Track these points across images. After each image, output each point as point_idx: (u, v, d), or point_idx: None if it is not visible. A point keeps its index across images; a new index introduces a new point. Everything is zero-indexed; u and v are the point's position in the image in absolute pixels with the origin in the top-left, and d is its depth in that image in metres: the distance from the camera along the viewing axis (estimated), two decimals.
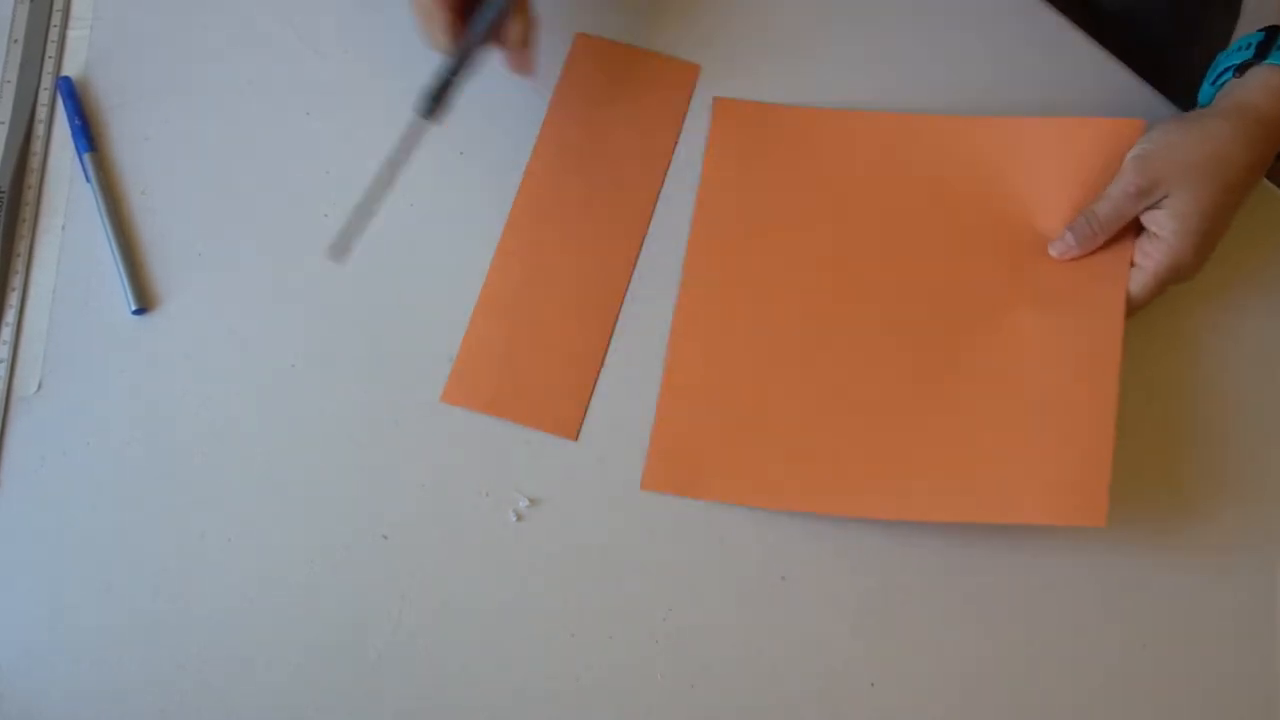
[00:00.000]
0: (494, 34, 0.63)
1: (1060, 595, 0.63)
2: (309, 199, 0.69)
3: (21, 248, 0.69)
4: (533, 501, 0.64)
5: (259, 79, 0.70)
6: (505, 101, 0.71)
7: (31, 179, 0.70)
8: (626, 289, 0.68)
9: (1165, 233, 0.62)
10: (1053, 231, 0.66)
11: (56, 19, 0.73)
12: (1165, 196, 0.62)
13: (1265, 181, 0.69)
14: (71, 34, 0.73)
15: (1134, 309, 0.64)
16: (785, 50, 0.72)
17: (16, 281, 0.68)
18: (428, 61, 0.72)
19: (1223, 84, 0.65)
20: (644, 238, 0.69)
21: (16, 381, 0.66)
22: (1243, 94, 0.63)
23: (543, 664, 0.62)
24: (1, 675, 0.62)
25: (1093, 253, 0.65)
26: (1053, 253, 0.66)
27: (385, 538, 0.64)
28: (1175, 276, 0.63)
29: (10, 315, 0.67)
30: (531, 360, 0.66)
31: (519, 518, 0.64)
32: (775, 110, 0.71)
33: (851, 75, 0.71)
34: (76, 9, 0.73)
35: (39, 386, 0.66)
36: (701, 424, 0.65)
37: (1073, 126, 0.68)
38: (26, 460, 0.65)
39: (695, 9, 0.73)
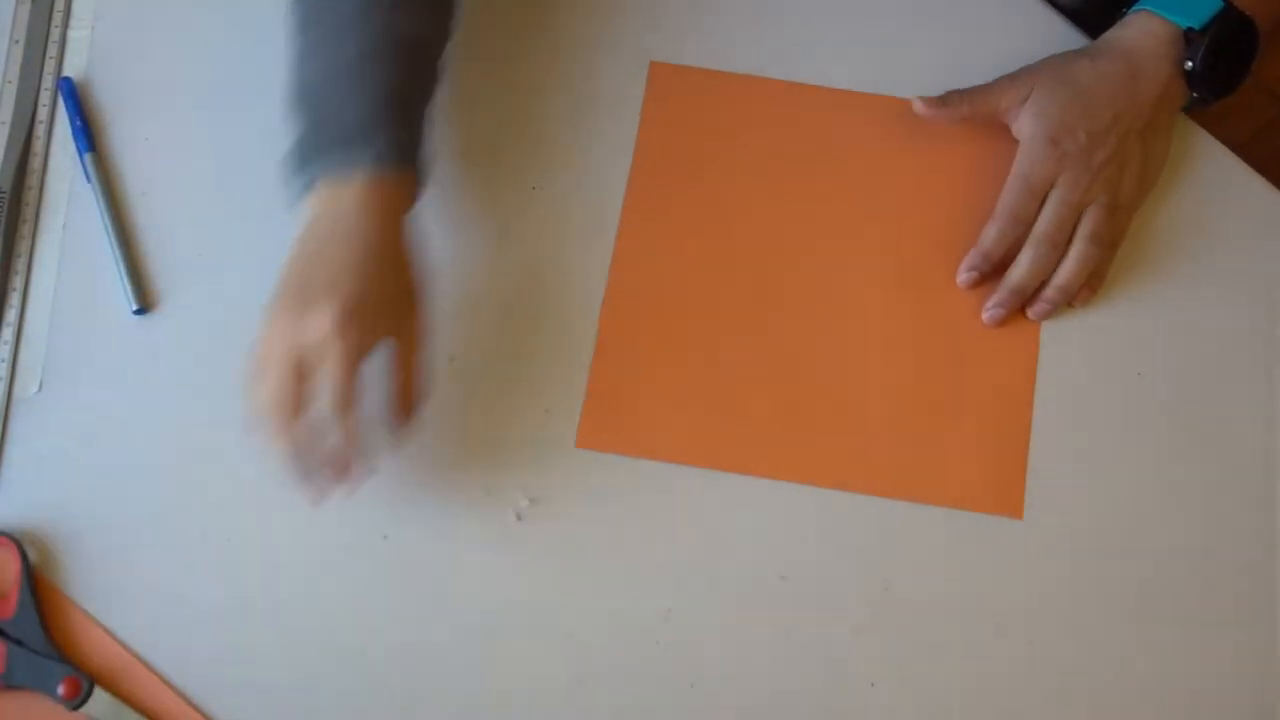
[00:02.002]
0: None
1: (1059, 595, 0.63)
2: None
3: (22, 248, 0.69)
4: (533, 501, 0.64)
5: (259, 79, 0.70)
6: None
7: (32, 179, 0.70)
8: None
9: (1024, 135, 0.66)
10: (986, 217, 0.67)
11: (57, 19, 0.73)
12: (1029, 94, 0.66)
13: (1254, 173, 0.69)
14: (72, 34, 0.73)
15: (1002, 215, 0.65)
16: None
17: (17, 282, 0.68)
18: None
19: None
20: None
21: (17, 382, 0.66)
22: (1119, 30, 0.67)
23: (542, 664, 0.62)
24: None
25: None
26: (915, 108, 0.67)
27: (385, 538, 0.64)
28: (1029, 185, 0.65)
29: (11, 315, 0.67)
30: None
31: (519, 518, 0.64)
32: (715, 77, 0.71)
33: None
34: (77, 9, 0.73)
35: (39, 387, 0.66)
36: (635, 385, 0.66)
37: None
38: (26, 460, 0.65)
39: None
